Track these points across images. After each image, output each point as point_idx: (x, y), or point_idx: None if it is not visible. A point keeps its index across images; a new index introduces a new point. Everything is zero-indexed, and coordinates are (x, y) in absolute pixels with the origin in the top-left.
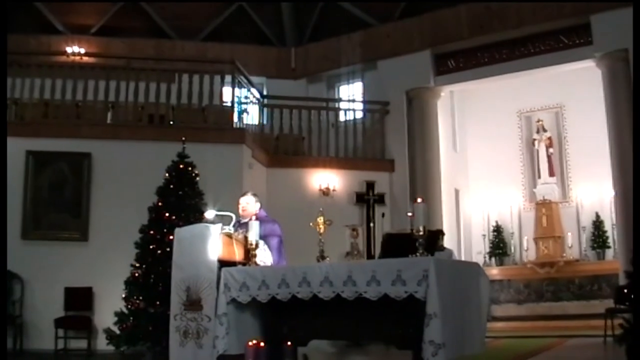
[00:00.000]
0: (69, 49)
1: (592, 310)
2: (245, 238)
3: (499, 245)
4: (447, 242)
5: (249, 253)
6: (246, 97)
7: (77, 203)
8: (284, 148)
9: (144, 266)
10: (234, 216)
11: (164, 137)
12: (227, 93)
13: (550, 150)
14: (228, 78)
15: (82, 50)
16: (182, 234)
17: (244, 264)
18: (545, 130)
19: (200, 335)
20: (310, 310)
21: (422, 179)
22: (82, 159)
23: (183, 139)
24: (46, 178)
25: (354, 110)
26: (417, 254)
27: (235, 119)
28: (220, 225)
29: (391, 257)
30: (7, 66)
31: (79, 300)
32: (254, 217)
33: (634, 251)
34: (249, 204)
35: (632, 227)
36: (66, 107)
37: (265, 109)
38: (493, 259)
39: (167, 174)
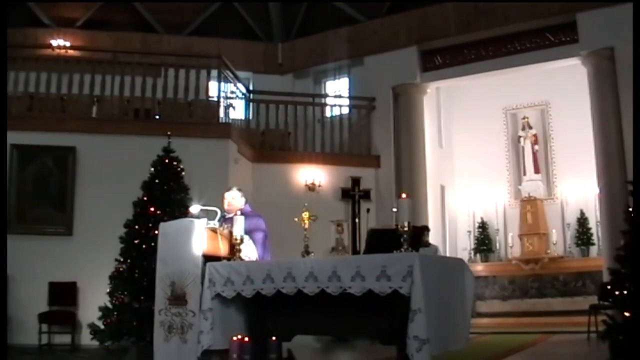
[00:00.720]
0: (54, 42)
1: (576, 307)
2: (230, 233)
3: (484, 241)
4: (433, 238)
5: (233, 248)
6: (232, 92)
7: (62, 197)
8: (269, 143)
9: (128, 261)
10: (219, 211)
11: (150, 132)
12: (213, 88)
13: (536, 147)
14: (214, 73)
15: (68, 44)
16: (167, 229)
17: (228, 259)
18: (530, 128)
19: (184, 330)
20: (295, 306)
21: (408, 175)
22: (66, 153)
23: (169, 133)
24: (30, 172)
25: (340, 106)
26: (402, 249)
27: (221, 113)
28: (205, 220)
29: (376, 253)
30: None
31: (63, 295)
32: (239, 212)
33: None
34: (235, 199)
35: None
36: (51, 101)
37: (251, 104)
38: (478, 255)
39: (152, 169)
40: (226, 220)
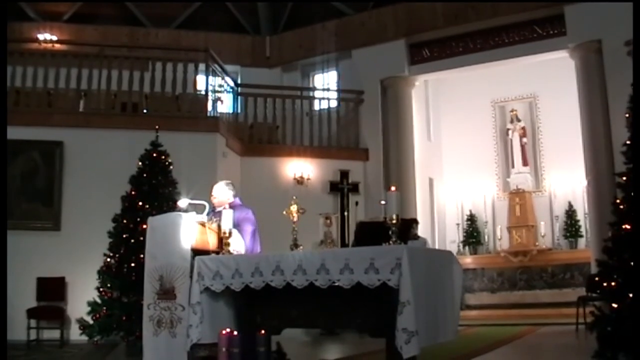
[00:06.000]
0: (40, 36)
1: (564, 299)
2: (219, 227)
3: (472, 234)
4: (421, 231)
5: (222, 242)
6: (220, 86)
7: (49, 192)
8: (258, 137)
9: (117, 255)
10: (207, 205)
11: (137, 126)
12: (201, 81)
13: (524, 139)
14: (202, 66)
15: (55, 38)
16: (155, 223)
17: (217, 253)
18: (519, 120)
19: (173, 325)
20: (284, 299)
21: (396, 168)
22: (54, 147)
23: (156, 127)
24: (18, 167)
25: (328, 99)
26: (390, 242)
27: (209, 107)
28: (193, 213)
29: (364, 246)
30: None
31: (52, 291)
32: (227, 206)
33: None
34: (219, 193)
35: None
36: (38, 95)
37: (239, 98)
38: (467, 248)
39: (140, 163)
40: (216, 214)
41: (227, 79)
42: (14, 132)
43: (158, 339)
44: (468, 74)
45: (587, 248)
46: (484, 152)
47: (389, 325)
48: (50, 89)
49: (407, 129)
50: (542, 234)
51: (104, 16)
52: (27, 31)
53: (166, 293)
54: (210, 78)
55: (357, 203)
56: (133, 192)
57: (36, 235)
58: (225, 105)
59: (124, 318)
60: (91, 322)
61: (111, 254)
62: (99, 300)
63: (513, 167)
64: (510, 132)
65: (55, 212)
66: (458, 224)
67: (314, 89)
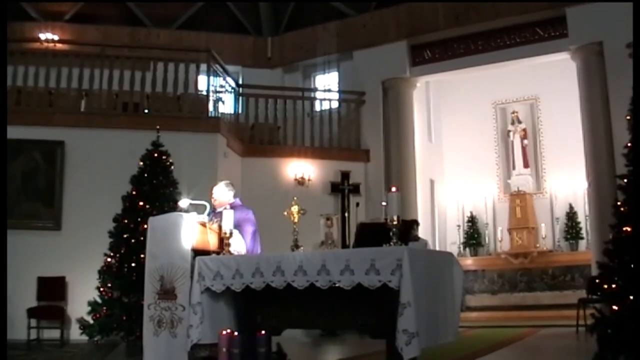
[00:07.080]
0: (42, 36)
1: (564, 301)
2: (220, 227)
3: (473, 235)
4: (422, 232)
5: (223, 242)
6: (222, 86)
7: (50, 192)
8: (259, 137)
9: (117, 255)
10: (207, 205)
11: (139, 126)
12: (202, 82)
13: (525, 141)
14: (203, 67)
15: (56, 37)
16: (155, 223)
17: (218, 253)
18: (520, 122)
19: (174, 325)
20: (285, 300)
21: (397, 169)
22: (55, 147)
23: (158, 127)
24: (19, 166)
25: (329, 100)
26: (391, 243)
27: (211, 107)
28: (194, 214)
29: (365, 247)
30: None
31: (52, 290)
32: (228, 206)
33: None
34: (219, 194)
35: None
36: (39, 95)
37: (240, 98)
38: (467, 250)
39: (141, 163)
40: (216, 214)
41: (229, 79)
42: (15, 132)
43: (158, 339)
44: (469, 75)
45: (587, 250)
46: (485, 154)
47: (390, 326)
48: (51, 89)
49: (408, 130)
50: (543, 236)
51: (106, 16)
52: (29, 31)
53: (167, 293)
54: (212, 78)
55: (357, 204)
56: (134, 192)
57: (37, 234)
58: (227, 106)
59: (124, 318)
60: (91, 321)
61: (112, 254)
62: (99, 300)
63: (514, 168)
64: (511, 133)
65: (56, 211)
66: (459, 226)
67: (315, 89)
